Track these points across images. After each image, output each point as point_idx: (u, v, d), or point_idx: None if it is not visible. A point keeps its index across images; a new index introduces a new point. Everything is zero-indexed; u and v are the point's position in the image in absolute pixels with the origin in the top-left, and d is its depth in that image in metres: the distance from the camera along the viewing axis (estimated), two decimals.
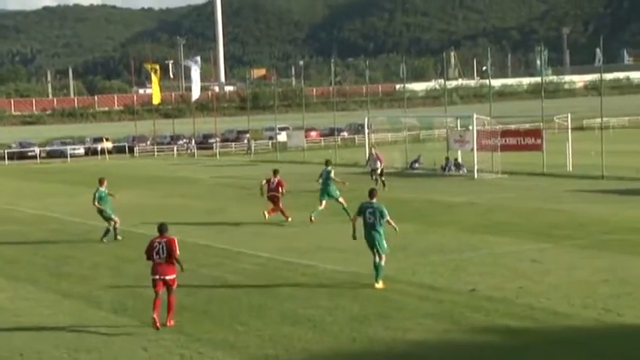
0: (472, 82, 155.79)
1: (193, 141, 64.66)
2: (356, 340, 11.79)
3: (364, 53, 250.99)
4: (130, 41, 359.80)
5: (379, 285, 14.81)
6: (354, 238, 15.39)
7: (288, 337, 12.02)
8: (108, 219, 21.49)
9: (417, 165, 38.90)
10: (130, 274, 16.97)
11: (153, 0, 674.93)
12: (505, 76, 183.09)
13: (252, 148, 58.97)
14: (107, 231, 21.42)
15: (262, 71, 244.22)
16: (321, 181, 24.50)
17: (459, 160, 37.88)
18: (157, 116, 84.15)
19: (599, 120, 43.33)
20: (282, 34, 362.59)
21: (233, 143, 65.95)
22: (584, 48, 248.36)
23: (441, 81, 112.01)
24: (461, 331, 12.04)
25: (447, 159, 38.36)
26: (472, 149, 35.94)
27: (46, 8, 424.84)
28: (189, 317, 13.30)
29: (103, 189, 21.43)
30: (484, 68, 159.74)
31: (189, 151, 63.45)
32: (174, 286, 13.03)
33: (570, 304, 13.24)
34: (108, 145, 64.05)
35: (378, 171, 31.74)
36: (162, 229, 13.40)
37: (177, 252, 13.02)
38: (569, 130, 38.74)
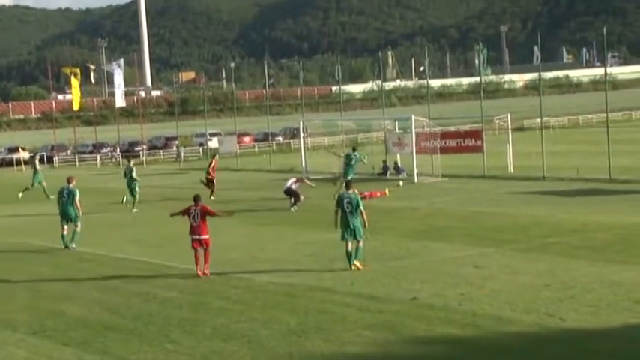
0: (410, 83, 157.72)
1: (118, 149, 63.80)
2: (293, 354, 11.81)
3: (298, 54, 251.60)
4: (46, 44, 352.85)
5: (358, 264, 17.14)
6: (336, 227, 17.53)
7: (220, 353, 11.96)
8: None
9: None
10: (50, 294, 16.64)
11: (70, 0, 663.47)
12: (444, 76, 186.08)
13: (182, 156, 58.48)
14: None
15: (191, 74, 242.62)
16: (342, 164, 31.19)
17: (399, 163, 38.27)
18: (77, 124, 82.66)
19: (539, 120, 44.33)
20: (211, 35, 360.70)
21: (161, 151, 65.28)
22: (522, 46, 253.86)
23: (379, 82, 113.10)
24: (402, 341, 12.17)
25: (385, 162, 38.72)
26: (411, 152, 36.36)
27: None
28: (116, 337, 13.12)
29: (72, 187, 21.92)
30: (422, 68, 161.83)
31: (113, 160, 62.54)
32: (209, 247, 17.38)
33: (513, 309, 13.52)
34: (24, 155, 62.63)
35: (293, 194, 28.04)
36: (196, 198, 17.81)
37: (213, 210, 17.80)
38: (510, 131, 39.56)
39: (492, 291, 14.84)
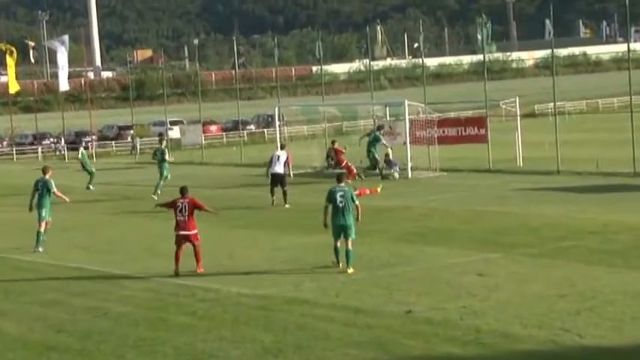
0: (403, 62, 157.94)
1: (63, 140, 63.49)
2: None
3: (272, 29, 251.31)
4: None
5: (351, 270, 17.70)
6: (326, 226, 18.20)
7: None
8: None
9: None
10: None
11: None
12: (442, 54, 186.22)
13: (138, 148, 58.28)
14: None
15: (148, 52, 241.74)
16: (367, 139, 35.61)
17: (390, 156, 38.37)
18: (14, 110, 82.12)
19: (552, 105, 44.53)
20: (171, 7, 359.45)
21: (113, 142, 65.07)
22: (532, 19, 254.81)
23: (366, 61, 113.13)
24: None
25: (386, 155, 38.77)
26: (404, 143, 36.43)
27: None
28: (61, 359, 13.05)
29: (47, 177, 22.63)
30: (416, 45, 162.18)
31: (57, 152, 62.23)
32: (198, 242, 18.44)
33: (523, 324, 13.58)
34: None
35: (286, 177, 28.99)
36: (183, 190, 18.61)
37: (202, 204, 18.79)
38: (518, 118, 39.73)
39: (499, 303, 14.90)
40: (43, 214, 22.25)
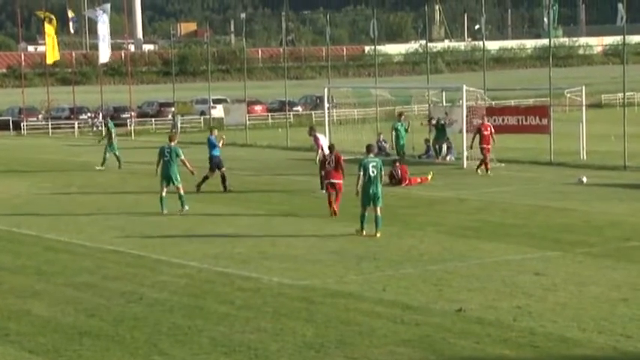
0: (462, 45, 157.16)
1: (101, 116, 64.07)
2: None
3: (324, 5, 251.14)
4: None
5: (379, 235, 20.31)
6: (358, 194, 20.71)
7: None
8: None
9: (385, 144, 39.30)
10: (13, 288, 16.82)
11: None
12: (504, 37, 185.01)
13: (179, 126, 58.59)
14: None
15: (192, 26, 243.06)
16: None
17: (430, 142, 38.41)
18: (52, 82, 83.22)
19: (621, 95, 44.01)
20: None
21: (153, 119, 65.54)
22: (603, 2, 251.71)
23: (423, 42, 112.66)
24: None
25: (428, 141, 38.68)
26: (460, 130, 36.28)
27: None
28: (93, 344, 13.26)
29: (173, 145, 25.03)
30: (477, 27, 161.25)
31: (95, 128, 62.82)
32: (341, 191, 23.44)
33: (581, 328, 13.51)
34: None
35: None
36: (332, 147, 24.34)
37: (342, 163, 23.54)
38: (584, 108, 39.34)
39: (556, 305, 14.83)
40: (178, 178, 24.54)
